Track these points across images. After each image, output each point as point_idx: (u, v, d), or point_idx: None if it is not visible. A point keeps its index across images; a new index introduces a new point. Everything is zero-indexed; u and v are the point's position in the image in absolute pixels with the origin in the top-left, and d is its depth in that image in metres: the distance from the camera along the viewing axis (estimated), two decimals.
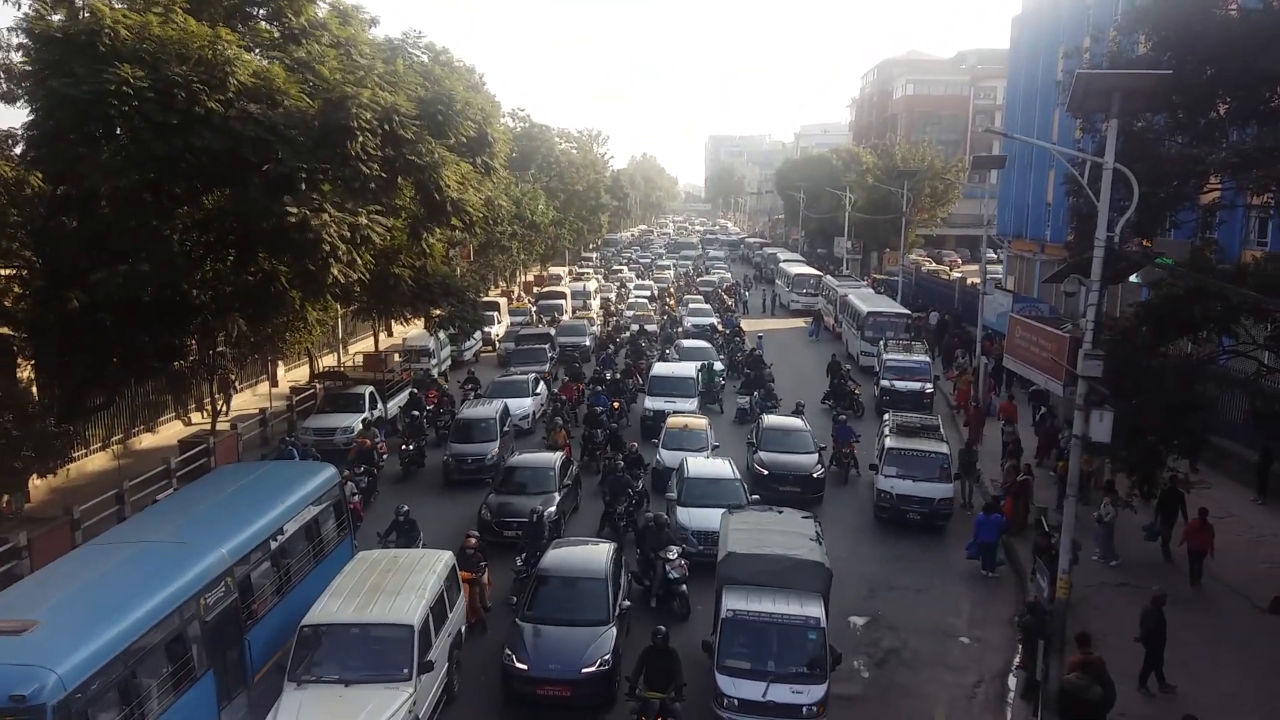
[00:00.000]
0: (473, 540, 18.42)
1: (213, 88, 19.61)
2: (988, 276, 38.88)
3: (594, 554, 17.37)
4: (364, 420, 29.09)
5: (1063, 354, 20.24)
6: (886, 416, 28.02)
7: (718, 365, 36.79)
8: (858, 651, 17.02)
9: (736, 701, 13.94)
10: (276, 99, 20.72)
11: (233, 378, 33.28)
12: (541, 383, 34.73)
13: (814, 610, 14.67)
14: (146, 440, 29.62)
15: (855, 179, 70.58)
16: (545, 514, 20.56)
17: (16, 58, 21.31)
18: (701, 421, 27.73)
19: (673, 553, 18.47)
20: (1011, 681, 16.26)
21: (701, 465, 23.14)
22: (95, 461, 27.29)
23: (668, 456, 25.40)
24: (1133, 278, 26.68)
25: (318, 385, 35.02)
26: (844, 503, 25.21)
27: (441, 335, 37.96)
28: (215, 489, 17.01)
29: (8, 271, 22.33)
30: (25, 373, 23.68)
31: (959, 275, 65.49)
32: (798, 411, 29.93)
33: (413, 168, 22.66)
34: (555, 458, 23.96)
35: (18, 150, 22.31)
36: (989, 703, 15.72)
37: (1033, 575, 18.42)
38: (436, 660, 14.13)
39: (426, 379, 35.47)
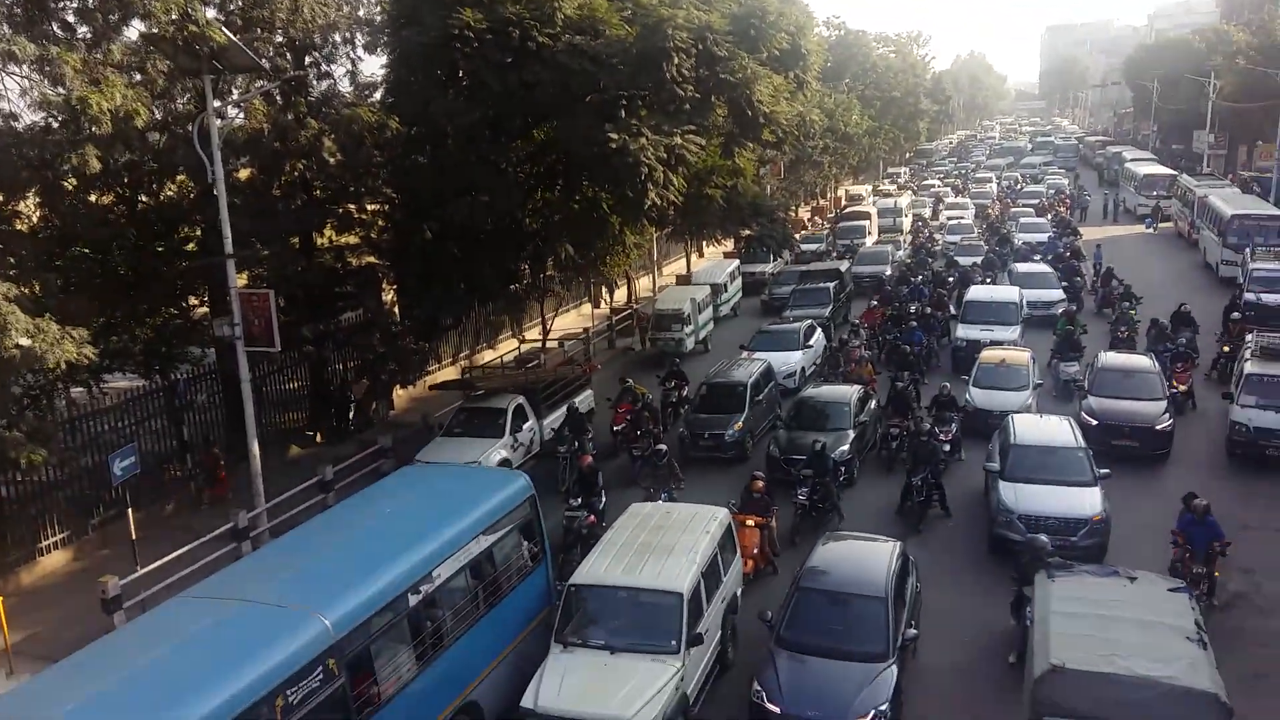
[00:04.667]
0: (759, 483, 17.31)
1: (542, 23, 20.73)
2: None
3: (872, 559, 13.87)
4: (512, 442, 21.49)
5: None
6: (1249, 337, 24.54)
7: (1069, 308, 30.15)
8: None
9: None
10: (599, 29, 21.49)
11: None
12: (818, 330, 29.60)
13: None
14: (487, 355, 31.94)
15: (1222, 62, 61.46)
16: (836, 451, 19.23)
17: (375, 11, 23.54)
18: (1023, 355, 23.87)
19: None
20: None
21: (1032, 427, 18.86)
22: (445, 374, 29.54)
23: (980, 396, 22.41)
24: None
25: (635, 307, 35.09)
26: (1187, 441, 21.81)
27: (727, 273, 37.31)
28: (366, 507, 14.03)
29: (373, 207, 25.08)
30: (389, 296, 26.57)
31: None
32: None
33: (725, 86, 22.65)
34: (852, 391, 22.05)
35: (377, 96, 24.81)
36: None
37: None
38: (708, 631, 12.98)
39: (671, 364, 26.72)
